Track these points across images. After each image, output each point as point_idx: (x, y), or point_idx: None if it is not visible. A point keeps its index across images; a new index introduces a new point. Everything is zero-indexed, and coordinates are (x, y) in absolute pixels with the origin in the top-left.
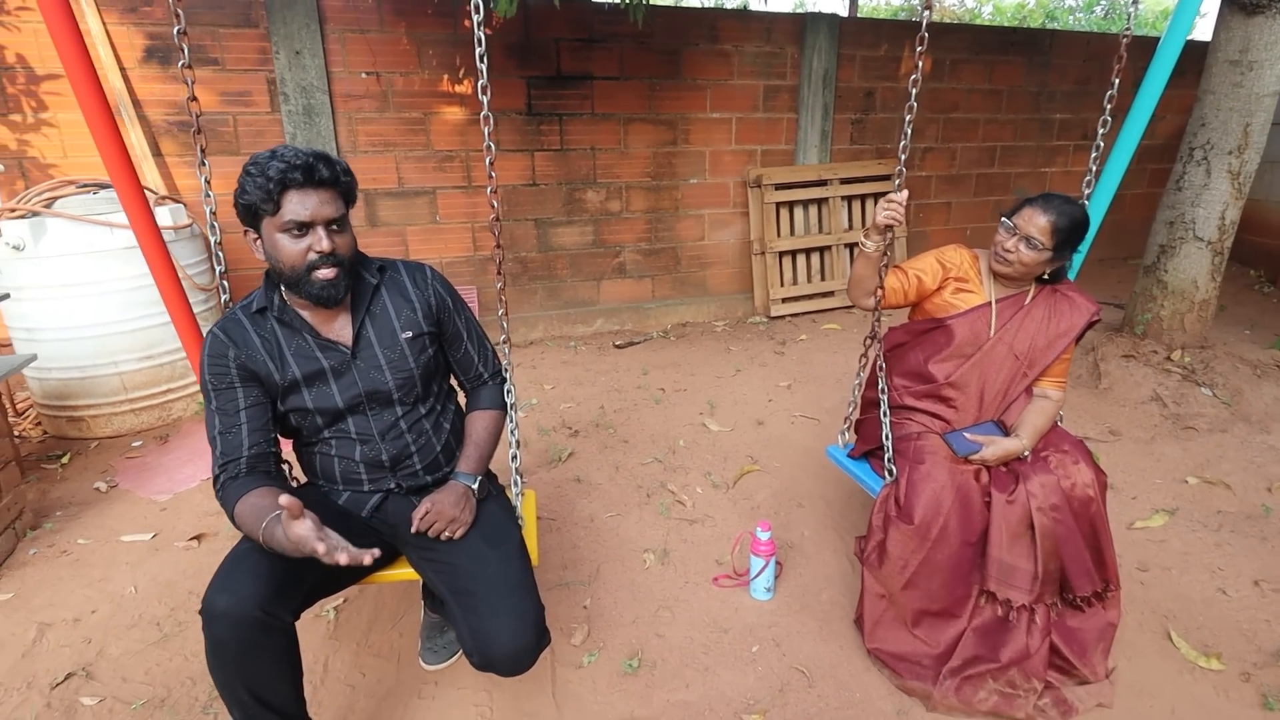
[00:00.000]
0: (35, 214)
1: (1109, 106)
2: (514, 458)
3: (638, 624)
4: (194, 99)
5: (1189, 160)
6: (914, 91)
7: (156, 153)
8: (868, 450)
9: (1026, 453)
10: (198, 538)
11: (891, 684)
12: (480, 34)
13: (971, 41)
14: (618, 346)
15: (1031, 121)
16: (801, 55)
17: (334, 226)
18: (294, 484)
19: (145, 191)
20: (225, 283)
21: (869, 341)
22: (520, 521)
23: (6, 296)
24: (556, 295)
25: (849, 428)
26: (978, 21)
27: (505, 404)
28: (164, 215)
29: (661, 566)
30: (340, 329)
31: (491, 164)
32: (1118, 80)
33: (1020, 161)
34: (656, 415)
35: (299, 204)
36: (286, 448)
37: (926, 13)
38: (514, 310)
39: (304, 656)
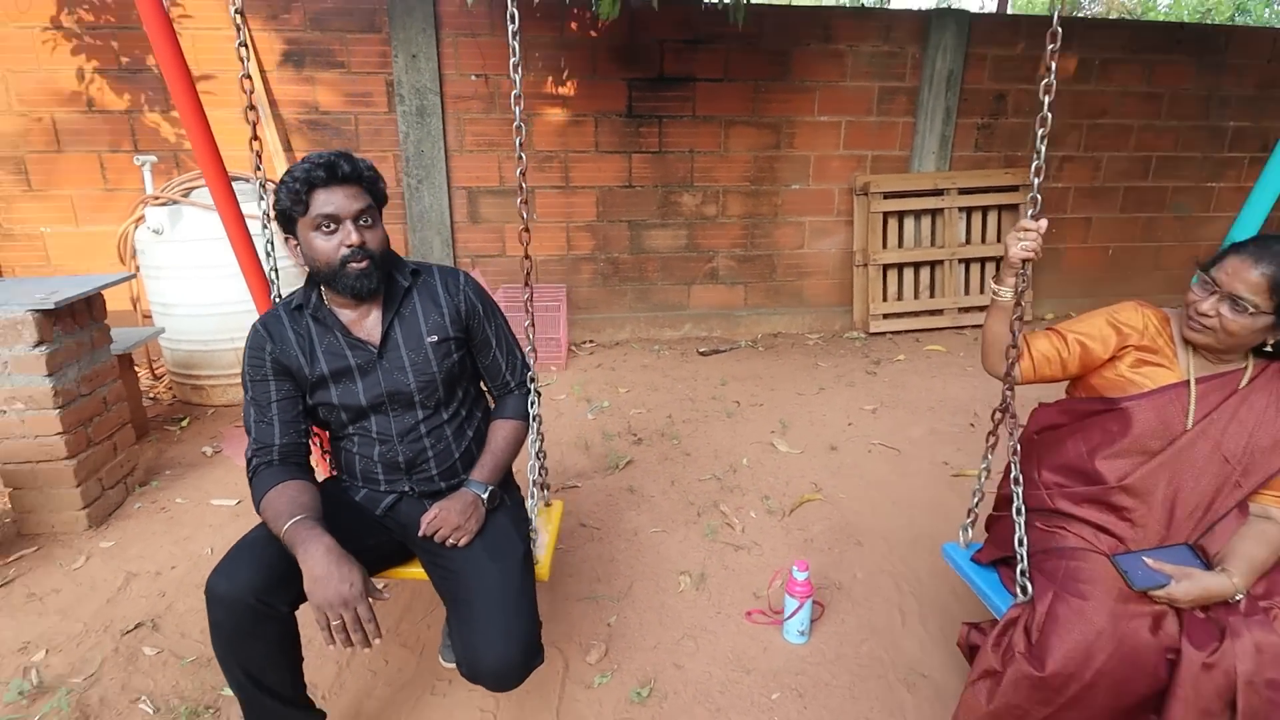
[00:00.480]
0: (174, 202)
1: None
2: (533, 469)
3: (658, 650)
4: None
5: None
6: (1047, 100)
7: (288, 147)
8: (1001, 558)
9: (1239, 596)
10: None
11: None
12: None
13: (1128, 39)
14: (701, 353)
15: (1198, 129)
16: (924, 55)
17: (363, 221)
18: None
19: (232, 183)
20: (276, 275)
21: (1000, 417)
22: (533, 534)
23: (131, 277)
24: (646, 298)
25: (972, 522)
26: (1151, 15)
27: (528, 414)
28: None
29: (696, 592)
30: (370, 329)
31: (523, 173)
32: None
33: (1182, 175)
34: (725, 429)
35: (325, 200)
36: (326, 440)
37: (1059, 5)
38: (603, 310)
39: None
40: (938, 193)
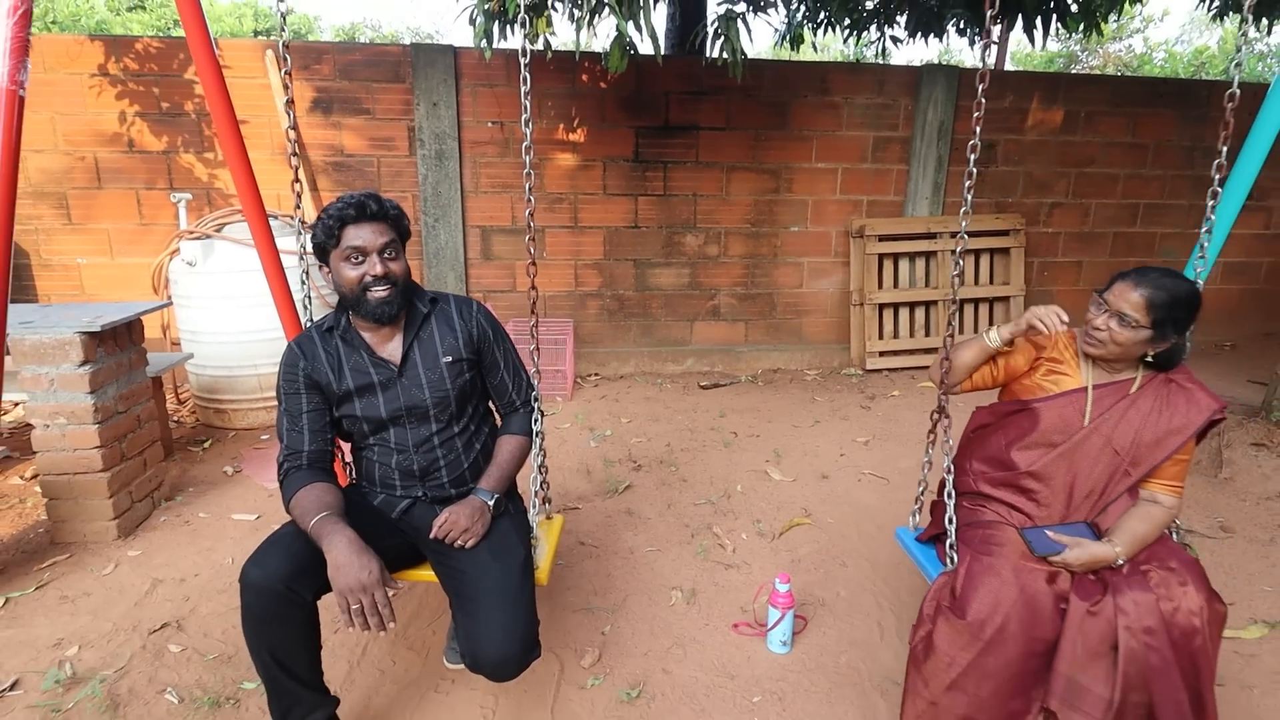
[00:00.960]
0: (207, 237)
1: (1217, 177)
2: (535, 481)
3: (649, 657)
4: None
5: None
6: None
7: (314, 187)
8: (935, 535)
9: (1121, 562)
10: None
11: None
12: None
13: (1112, 93)
14: (703, 387)
15: (1182, 178)
16: (916, 107)
17: (387, 254)
18: (348, 479)
19: (270, 221)
20: (309, 302)
21: (936, 417)
22: (535, 541)
23: (168, 304)
24: (650, 333)
25: (919, 509)
26: (1147, 68)
27: (531, 431)
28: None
29: (686, 606)
30: (392, 350)
31: (531, 214)
32: (1225, 146)
33: (1168, 221)
34: (721, 458)
35: (355, 234)
36: (347, 451)
37: (990, 53)
38: (608, 344)
39: (349, 639)
40: (931, 236)
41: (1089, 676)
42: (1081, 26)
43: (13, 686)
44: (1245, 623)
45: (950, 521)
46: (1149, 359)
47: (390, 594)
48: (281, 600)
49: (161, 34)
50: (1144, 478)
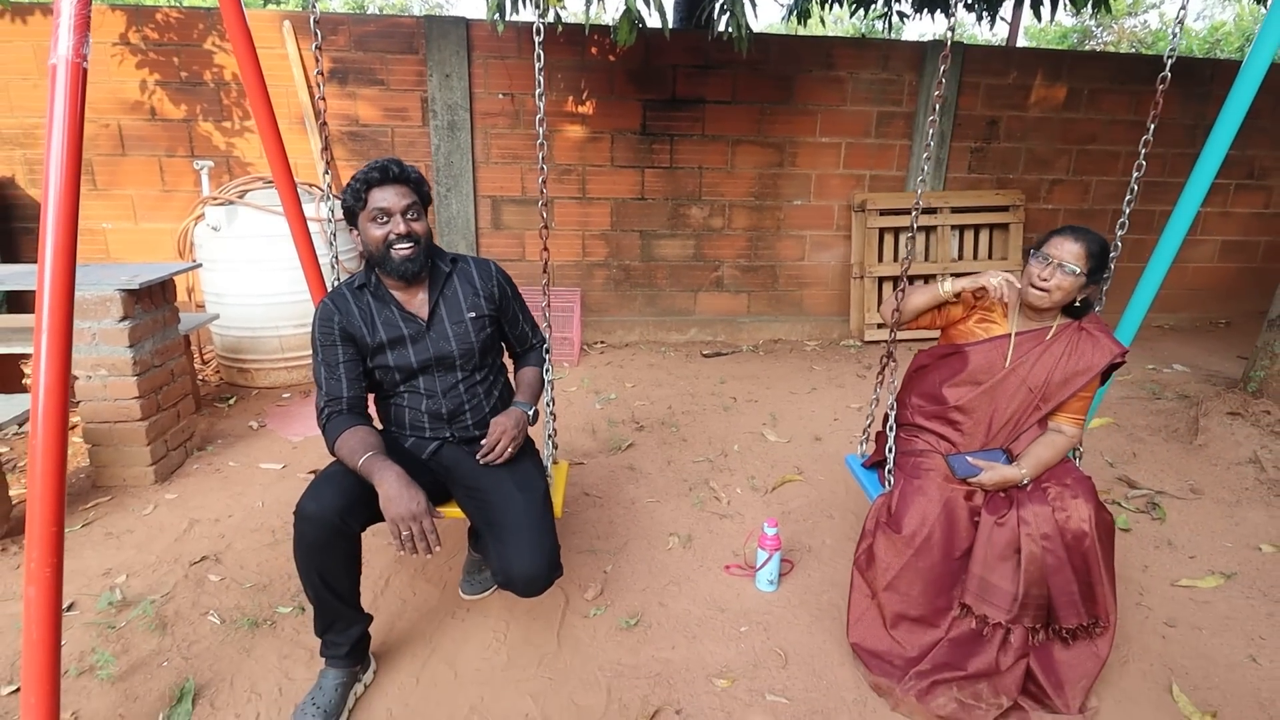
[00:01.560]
0: (231, 203)
1: (1144, 151)
2: (548, 426)
3: (647, 592)
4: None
5: None
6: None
7: (330, 157)
8: (878, 461)
9: (1026, 481)
10: (314, 471)
11: (863, 679)
12: None
13: (1115, 70)
14: (705, 355)
15: (1184, 157)
16: (920, 82)
17: (409, 215)
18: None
19: (300, 188)
20: (336, 261)
21: (884, 360)
22: (550, 479)
23: (199, 266)
24: (655, 303)
25: (866, 439)
26: (1162, 44)
27: (544, 365)
28: (324, 209)
29: (683, 549)
30: (419, 305)
31: (544, 181)
32: (1153, 123)
33: (1168, 199)
34: (720, 421)
35: (380, 196)
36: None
37: (949, 32)
38: (614, 313)
39: (372, 572)
40: (932, 211)
41: (997, 575)
42: (1090, 3)
43: (69, 608)
44: (1204, 573)
45: (890, 450)
46: (1076, 304)
47: (435, 521)
48: (334, 531)
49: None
50: (1052, 411)
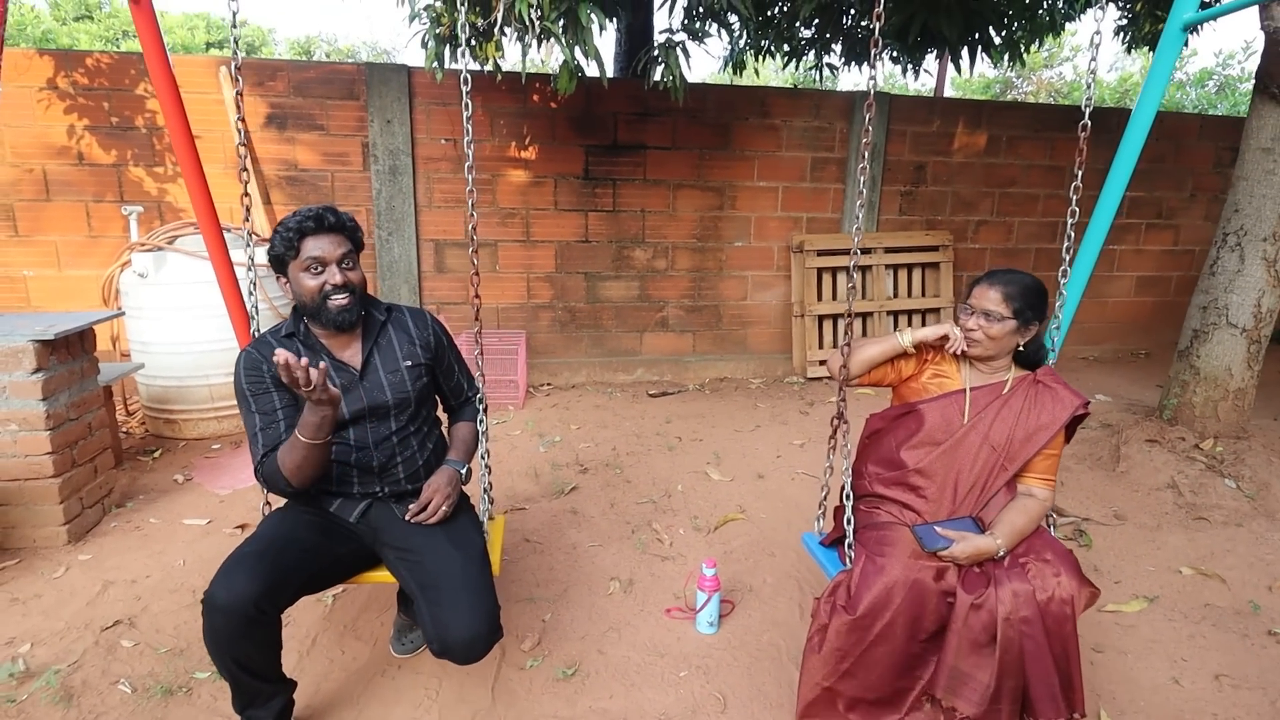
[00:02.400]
0: (159, 249)
1: (1075, 198)
2: (483, 480)
3: (585, 640)
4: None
5: (1223, 245)
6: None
7: (267, 201)
8: (837, 538)
9: (1002, 553)
10: (242, 526)
11: None
12: None
13: (1031, 119)
14: (651, 395)
15: (1096, 198)
16: (850, 130)
17: (345, 264)
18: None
19: (228, 234)
20: (256, 311)
21: (836, 423)
22: (486, 534)
23: (121, 314)
24: (601, 344)
25: (822, 514)
26: (1076, 94)
27: (478, 418)
28: (260, 254)
29: (624, 594)
30: (352, 355)
31: (473, 228)
32: (1080, 170)
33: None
34: (665, 461)
35: (314, 245)
36: None
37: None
38: (560, 355)
39: (298, 631)
40: (867, 251)
41: (970, 664)
42: (1006, 57)
43: None
44: (1128, 598)
45: (848, 523)
46: (1020, 349)
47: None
48: (250, 621)
49: (110, 45)
50: (1020, 472)
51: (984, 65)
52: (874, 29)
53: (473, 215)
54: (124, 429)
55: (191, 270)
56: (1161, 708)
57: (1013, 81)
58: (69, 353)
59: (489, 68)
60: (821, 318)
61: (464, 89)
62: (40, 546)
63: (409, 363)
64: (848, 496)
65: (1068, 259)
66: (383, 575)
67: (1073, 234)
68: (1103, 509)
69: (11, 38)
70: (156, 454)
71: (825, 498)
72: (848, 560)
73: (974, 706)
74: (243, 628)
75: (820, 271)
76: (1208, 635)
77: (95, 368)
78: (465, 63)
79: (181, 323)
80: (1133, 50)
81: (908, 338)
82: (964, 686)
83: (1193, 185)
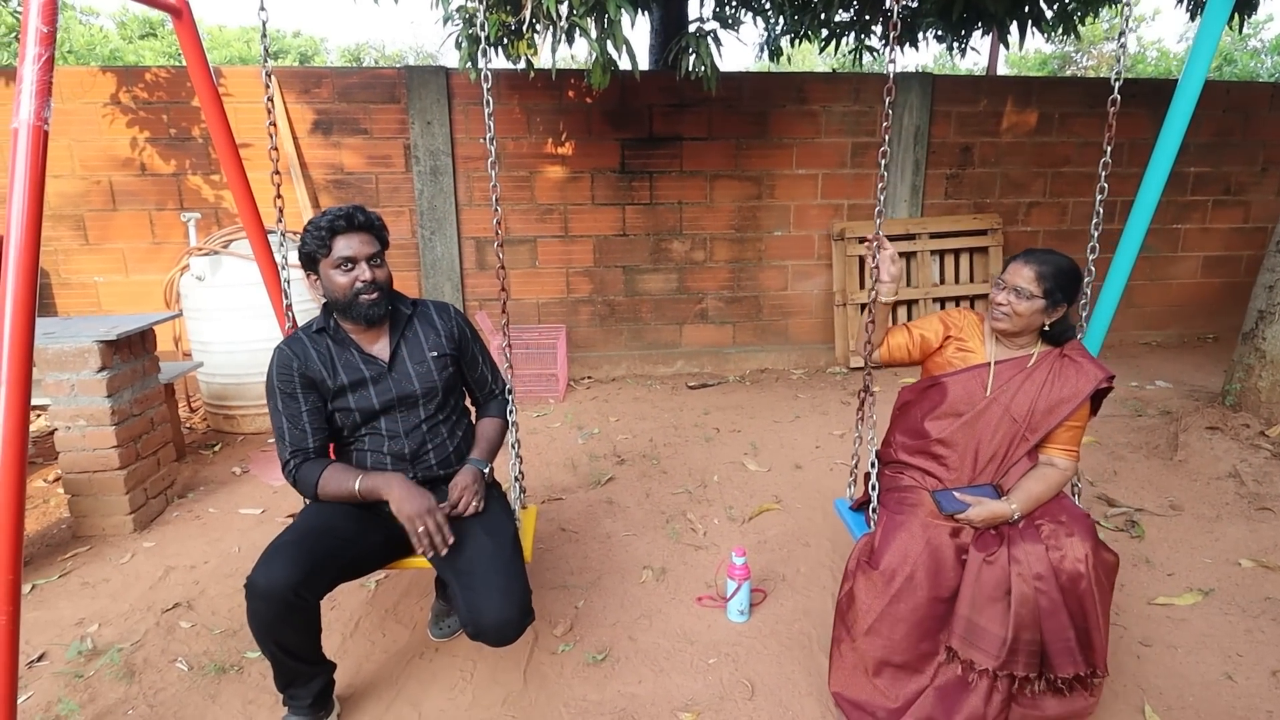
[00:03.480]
0: (215, 253)
1: (1104, 174)
2: (513, 468)
3: (617, 627)
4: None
5: None
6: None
7: (315, 204)
8: (864, 502)
9: (1016, 517)
10: (293, 515)
11: (830, 711)
12: None
13: (1084, 95)
14: (690, 387)
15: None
16: (892, 113)
17: (374, 261)
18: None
19: (270, 236)
20: (290, 310)
21: (863, 396)
22: (518, 522)
23: (179, 315)
24: (640, 337)
25: (853, 481)
26: (1140, 68)
27: (507, 416)
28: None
29: (656, 582)
30: (380, 348)
31: (499, 222)
32: (1109, 145)
33: None
34: (702, 452)
35: (345, 244)
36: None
37: (891, 65)
38: (600, 349)
39: (342, 615)
40: (910, 237)
41: (985, 618)
42: (1061, 30)
43: (40, 658)
44: (1181, 591)
45: (873, 488)
46: (1047, 328)
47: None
48: (289, 606)
49: (173, 60)
50: (1041, 443)
51: (1037, 40)
52: (891, 8)
53: (497, 210)
54: (187, 425)
55: (244, 272)
56: (1212, 704)
57: (1071, 56)
58: (131, 352)
59: (521, 66)
60: (864, 306)
61: (485, 86)
62: (109, 534)
63: (434, 354)
64: (873, 464)
65: (1095, 235)
66: (420, 561)
67: (1100, 210)
68: (1158, 499)
69: (81, 56)
70: (216, 448)
71: (855, 465)
72: (872, 523)
73: (990, 659)
74: (282, 612)
75: (862, 259)
76: (1266, 630)
77: (156, 366)
78: (486, 61)
79: (236, 322)
80: (1196, 17)
81: (887, 295)
82: (980, 639)
83: (1264, 158)
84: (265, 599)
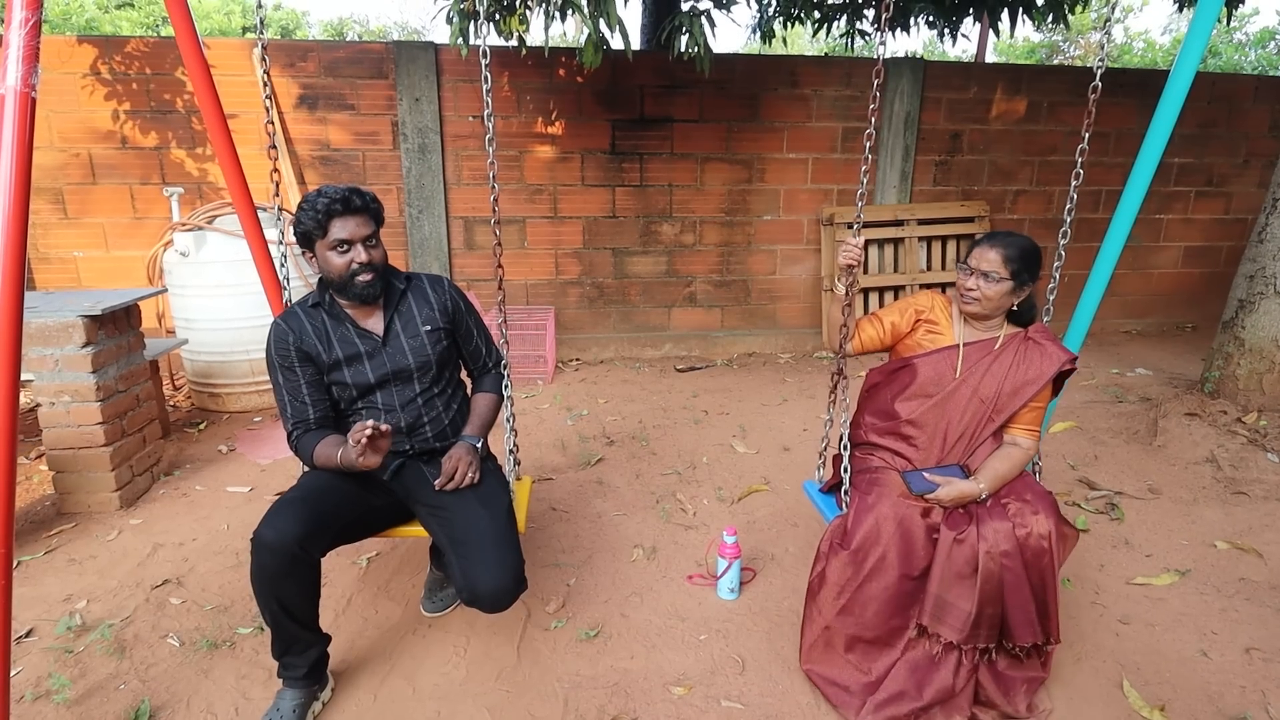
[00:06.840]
0: (199, 228)
1: (1080, 160)
2: (508, 441)
3: (609, 604)
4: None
5: (1272, 211)
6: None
7: (301, 181)
8: (835, 484)
9: (984, 496)
10: (281, 493)
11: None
12: None
13: (1072, 83)
14: (679, 370)
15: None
16: (883, 99)
17: (369, 242)
18: None
19: (259, 213)
20: (288, 283)
21: (835, 379)
22: (512, 493)
23: (163, 291)
24: (629, 319)
25: (823, 463)
26: (1126, 59)
27: (502, 390)
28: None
29: (647, 561)
30: (374, 323)
31: (495, 199)
32: (1087, 133)
33: None
34: (690, 434)
35: (341, 226)
36: None
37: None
38: (588, 331)
39: (335, 591)
40: (898, 223)
41: (954, 594)
42: (1051, 18)
43: (28, 634)
44: (1160, 571)
45: (845, 470)
46: (1014, 309)
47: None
48: (293, 559)
49: (151, 31)
50: (1006, 423)
51: (1027, 28)
52: None
53: (494, 188)
54: (171, 403)
55: (230, 249)
56: (1188, 679)
57: (1059, 45)
58: (116, 328)
59: (513, 42)
60: (828, 291)
61: (483, 62)
62: (95, 511)
63: (428, 328)
64: (845, 446)
65: (1068, 220)
66: (416, 530)
67: (1075, 196)
68: (1137, 483)
69: (56, 26)
70: (202, 426)
71: (825, 448)
72: (844, 506)
73: (956, 633)
74: (287, 565)
75: None
76: (1240, 609)
77: (141, 343)
78: (484, 35)
79: (222, 299)
80: (1184, 9)
81: (839, 285)
82: (948, 614)
83: (1246, 150)
84: (272, 551)
